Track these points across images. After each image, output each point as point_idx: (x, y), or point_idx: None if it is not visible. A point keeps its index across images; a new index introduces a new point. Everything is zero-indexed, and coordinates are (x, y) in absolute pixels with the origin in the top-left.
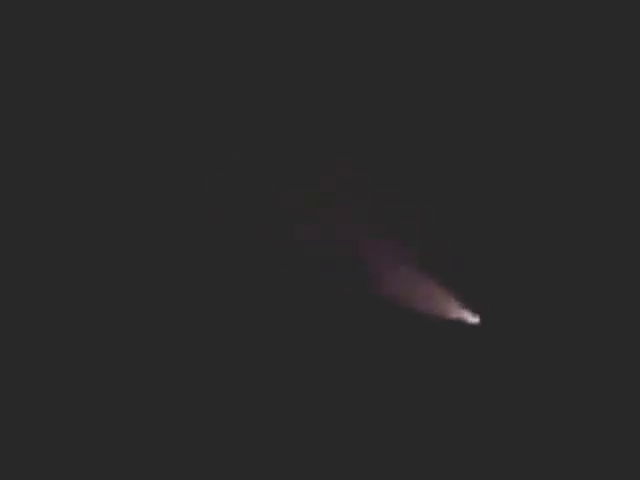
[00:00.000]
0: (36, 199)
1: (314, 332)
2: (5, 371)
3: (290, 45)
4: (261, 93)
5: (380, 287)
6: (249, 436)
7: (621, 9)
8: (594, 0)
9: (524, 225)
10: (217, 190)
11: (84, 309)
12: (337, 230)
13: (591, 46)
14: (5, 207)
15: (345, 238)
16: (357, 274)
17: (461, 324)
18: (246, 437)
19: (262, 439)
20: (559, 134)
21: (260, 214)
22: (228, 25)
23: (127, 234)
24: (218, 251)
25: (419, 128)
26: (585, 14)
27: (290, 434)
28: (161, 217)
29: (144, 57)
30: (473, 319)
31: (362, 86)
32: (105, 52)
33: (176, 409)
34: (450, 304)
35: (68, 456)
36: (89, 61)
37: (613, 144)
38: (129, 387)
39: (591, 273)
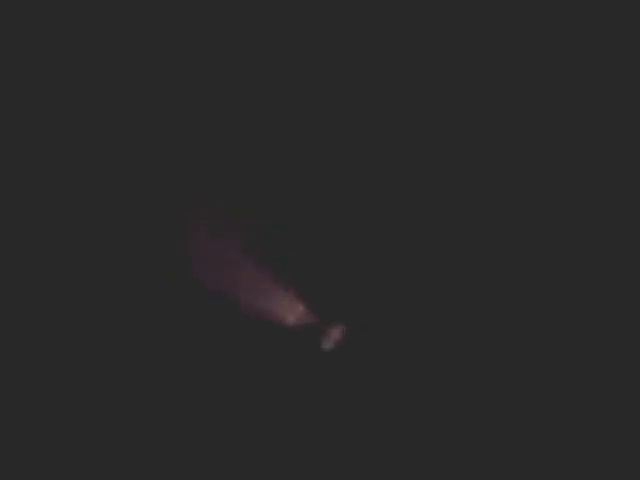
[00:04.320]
0: (35, 198)
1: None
2: (5, 371)
3: (290, 45)
4: (261, 93)
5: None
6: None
7: (621, 9)
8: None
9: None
10: (217, 190)
11: (82, 307)
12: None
13: (591, 46)
14: (4, 207)
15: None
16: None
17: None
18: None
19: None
20: (558, 141)
21: (260, 214)
22: (227, 25)
23: (126, 234)
24: (217, 250)
25: (418, 129)
26: (585, 14)
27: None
28: (160, 217)
29: (143, 57)
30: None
31: (361, 86)
32: (104, 52)
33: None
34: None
35: (67, 456)
36: (88, 61)
37: (613, 146)
38: (124, 386)
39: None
